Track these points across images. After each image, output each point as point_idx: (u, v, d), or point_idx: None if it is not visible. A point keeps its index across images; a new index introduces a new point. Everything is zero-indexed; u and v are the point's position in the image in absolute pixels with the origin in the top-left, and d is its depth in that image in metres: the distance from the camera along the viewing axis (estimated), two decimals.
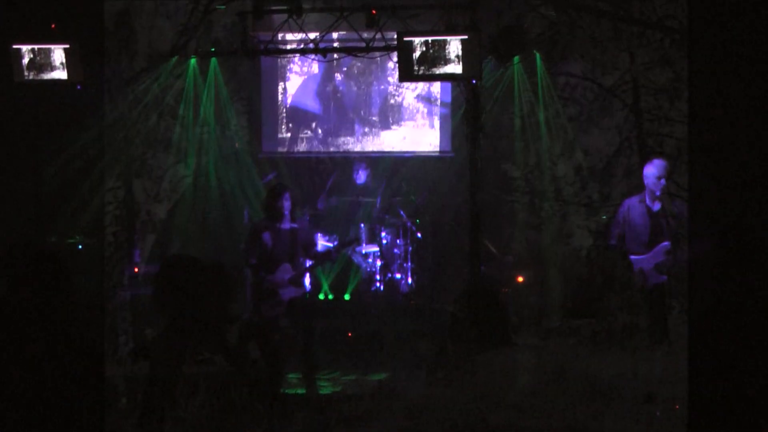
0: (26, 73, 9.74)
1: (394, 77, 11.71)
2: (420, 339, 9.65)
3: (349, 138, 12.54)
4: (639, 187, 9.32)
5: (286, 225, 9.15)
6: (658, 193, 8.91)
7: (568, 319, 9.70)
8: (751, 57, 5.16)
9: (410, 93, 12.35)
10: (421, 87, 12.15)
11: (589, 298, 9.44)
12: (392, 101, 12.47)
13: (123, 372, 7.81)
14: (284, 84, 12.66)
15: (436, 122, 12.32)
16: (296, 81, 12.67)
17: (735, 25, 5.18)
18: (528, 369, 8.11)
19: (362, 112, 12.53)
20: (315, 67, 12.40)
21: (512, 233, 11.70)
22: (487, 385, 7.69)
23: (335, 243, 9.58)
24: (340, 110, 12.56)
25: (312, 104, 12.59)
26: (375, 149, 12.40)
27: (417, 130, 12.37)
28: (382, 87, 12.47)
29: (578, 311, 9.42)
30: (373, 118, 12.50)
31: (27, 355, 3.98)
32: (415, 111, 12.42)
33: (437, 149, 12.27)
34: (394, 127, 12.42)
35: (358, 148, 12.45)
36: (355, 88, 12.54)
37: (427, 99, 12.28)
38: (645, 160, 9.71)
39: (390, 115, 12.46)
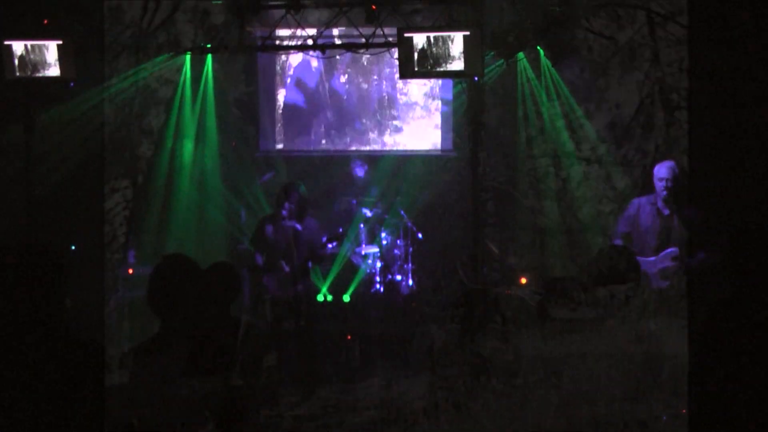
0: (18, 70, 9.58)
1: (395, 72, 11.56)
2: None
3: (348, 136, 12.41)
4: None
5: (288, 223, 9.11)
6: (663, 195, 8.76)
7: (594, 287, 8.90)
8: (753, 57, 5.12)
9: (413, 88, 12.22)
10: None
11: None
12: (392, 97, 12.34)
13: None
14: (282, 81, 12.50)
15: (438, 119, 12.19)
16: (294, 78, 12.51)
17: (736, 26, 5.14)
18: (593, 354, 6.28)
19: (362, 110, 12.40)
20: (314, 64, 12.25)
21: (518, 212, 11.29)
22: (550, 382, 5.99)
23: (323, 239, 9.49)
24: (340, 108, 12.42)
25: (310, 102, 12.46)
26: (375, 148, 12.26)
27: (418, 126, 12.25)
28: (383, 83, 12.34)
29: (602, 277, 8.73)
30: (374, 115, 12.37)
31: (25, 357, 3.85)
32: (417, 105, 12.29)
33: (439, 147, 12.14)
34: (395, 122, 12.29)
35: (358, 145, 12.32)
36: (354, 85, 12.40)
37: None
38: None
39: (390, 112, 12.33)
